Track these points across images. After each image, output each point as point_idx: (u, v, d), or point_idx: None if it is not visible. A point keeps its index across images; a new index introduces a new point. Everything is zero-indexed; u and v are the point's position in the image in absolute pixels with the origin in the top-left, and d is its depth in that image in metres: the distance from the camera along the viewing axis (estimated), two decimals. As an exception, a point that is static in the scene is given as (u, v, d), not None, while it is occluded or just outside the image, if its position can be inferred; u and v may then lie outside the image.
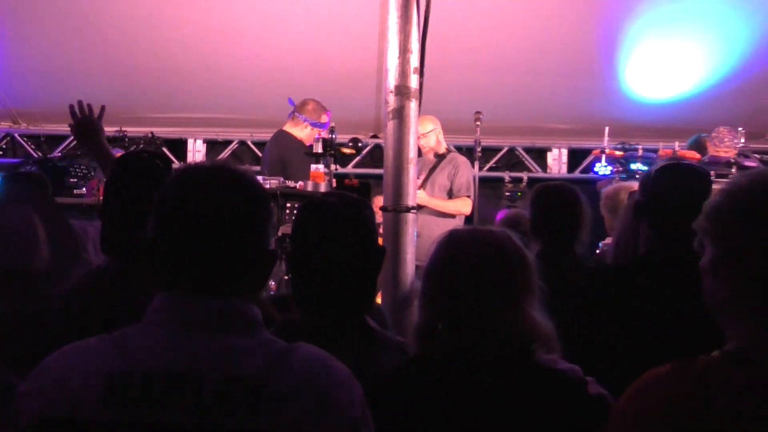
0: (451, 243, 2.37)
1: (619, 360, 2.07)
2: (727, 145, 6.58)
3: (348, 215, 2.50)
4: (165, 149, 8.85)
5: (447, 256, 2.35)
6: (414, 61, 4.72)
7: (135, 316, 1.79)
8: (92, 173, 7.38)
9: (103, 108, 3.69)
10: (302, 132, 6.78)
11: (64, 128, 8.73)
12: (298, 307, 2.52)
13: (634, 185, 5.15)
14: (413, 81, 4.71)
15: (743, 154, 6.65)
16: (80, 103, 3.66)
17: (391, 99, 4.69)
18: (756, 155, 6.97)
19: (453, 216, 7.09)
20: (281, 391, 1.67)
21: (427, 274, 2.37)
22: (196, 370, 1.68)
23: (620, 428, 1.73)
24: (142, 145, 8.05)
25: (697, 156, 6.51)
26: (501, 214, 7.33)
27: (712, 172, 6.12)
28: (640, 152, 6.90)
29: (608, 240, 5.68)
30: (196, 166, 1.89)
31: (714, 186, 6.23)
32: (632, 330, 2.75)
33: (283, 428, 1.66)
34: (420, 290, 2.39)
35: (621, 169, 6.99)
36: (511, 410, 2.18)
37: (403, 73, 4.69)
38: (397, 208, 4.65)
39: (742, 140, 6.63)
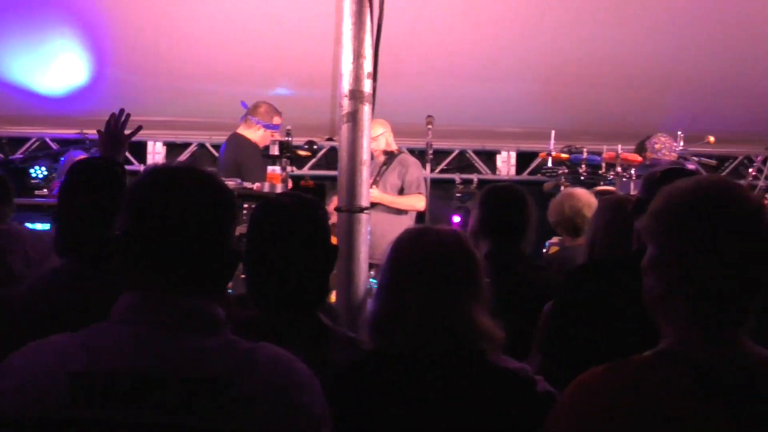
0: (402, 241, 2.41)
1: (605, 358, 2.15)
2: (665, 152, 6.80)
3: (302, 215, 2.55)
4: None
5: (393, 252, 2.39)
6: (367, 66, 4.81)
7: (92, 317, 1.78)
8: (54, 174, 7.40)
9: (139, 128, 3.75)
10: (255, 134, 6.86)
11: (26, 130, 8.81)
12: (254, 305, 2.55)
13: (577, 191, 5.37)
14: (367, 86, 4.80)
15: (683, 157, 6.88)
16: (116, 114, 3.70)
17: (345, 103, 4.78)
18: (695, 158, 7.19)
19: (405, 213, 7.20)
20: (246, 392, 1.67)
21: (381, 272, 2.41)
22: (161, 370, 1.67)
23: (559, 427, 1.75)
24: (102, 148, 8.10)
25: (639, 159, 6.72)
26: (456, 216, 7.52)
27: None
28: (585, 155, 7.09)
29: (555, 239, 5.87)
30: (165, 167, 1.90)
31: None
32: (619, 326, 2.74)
33: (249, 429, 1.66)
34: (376, 287, 2.44)
35: (567, 171, 7.17)
36: (462, 407, 2.20)
37: (357, 78, 4.79)
38: (350, 209, 4.72)
39: (682, 144, 6.87)
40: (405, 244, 2.40)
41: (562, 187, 6.68)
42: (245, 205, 5.85)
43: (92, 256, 2.79)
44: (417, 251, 2.36)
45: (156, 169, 1.88)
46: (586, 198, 5.23)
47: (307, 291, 2.53)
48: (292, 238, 2.51)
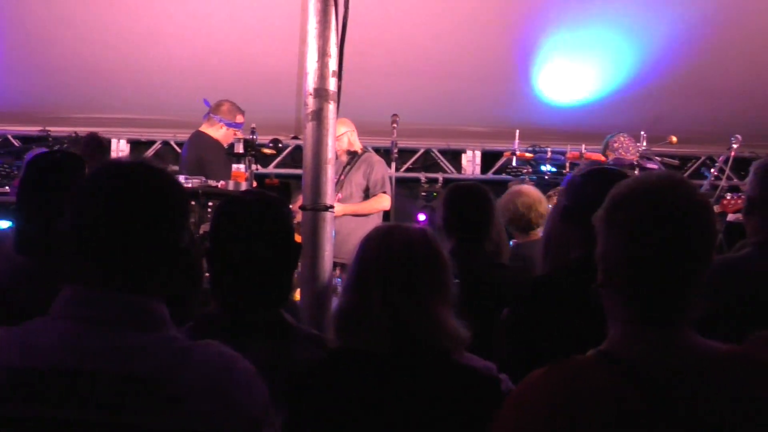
0: (370, 240, 2.42)
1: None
2: (629, 152, 6.87)
3: (265, 212, 2.55)
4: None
5: (360, 251, 2.40)
6: (332, 64, 4.82)
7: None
8: (16, 171, 7.34)
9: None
10: (218, 132, 6.84)
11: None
12: (216, 302, 2.55)
13: (525, 188, 5.41)
14: (332, 84, 4.81)
15: (646, 156, 6.94)
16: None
17: (310, 101, 4.78)
18: (657, 158, 7.25)
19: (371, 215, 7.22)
20: (179, 391, 1.66)
21: (348, 269, 2.42)
22: (94, 366, 1.65)
23: (503, 426, 1.76)
24: (66, 145, 8.05)
25: (602, 158, 6.79)
26: (422, 214, 7.53)
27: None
28: (549, 154, 7.14)
29: (517, 240, 5.91)
30: (113, 162, 1.91)
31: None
32: (578, 334, 2.81)
33: (181, 428, 1.64)
34: (342, 285, 2.45)
35: (531, 170, 7.22)
36: (426, 406, 2.21)
37: (322, 77, 4.79)
38: (315, 207, 4.73)
39: (644, 144, 6.95)
40: (372, 243, 2.40)
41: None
42: (210, 204, 5.85)
43: (52, 253, 2.77)
44: (384, 249, 2.36)
45: (103, 165, 1.87)
46: (536, 194, 5.28)
47: (270, 288, 2.53)
48: (254, 235, 2.51)
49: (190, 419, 1.65)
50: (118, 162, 1.91)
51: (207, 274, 2.67)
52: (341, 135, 7.09)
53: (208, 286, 2.60)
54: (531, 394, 1.74)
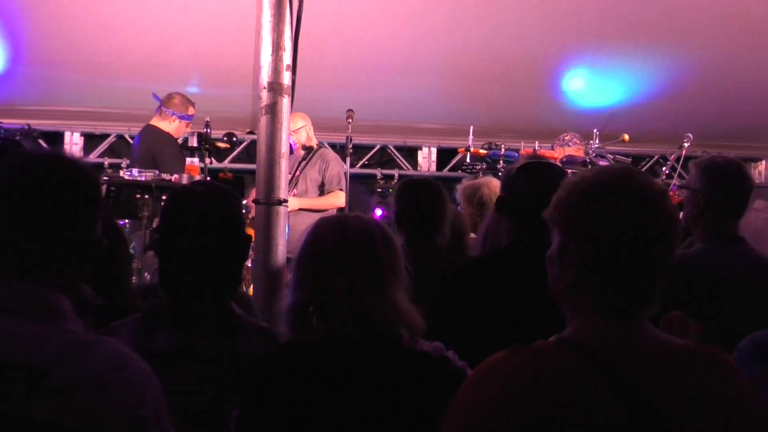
0: (319, 228, 2.38)
1: (489, 345, 2.15)
2: (576, 145, 6.94)
3: (214, 203, 2.54)
4: (41, 142, 8.77)
5: (314, 241, 2.35)
6: (287, 58, 4.83)
7: None
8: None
9: None
10: (171, 125, 6.83)
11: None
12: (164, 294, 2.54)
13: (491, 179, 5.43)
14: (286, 78, 4.82)
15: (599, 154, 7.01)
16: None
17: (264, 95, 4.80)
18: (610, 155, 7.33)
19: (326, 211, 7.23)
20: (62, 383, 1.64)
21: (296, 260, 2.38)
22: None
23: (461, 411, 1.75)
24: (18, 137, 7.96)
25: (555, 155, 6.84)
26: (378, 209, 7.54)
27: (569, 171, 6.49)
28: (503, 151, 7.18)
29: (472, 235, 5.94)
30: (29, 153, 1.90)
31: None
32: (496, 316, 2.82)
33: (59, 419, 1.63)
34: (291, 276, 2.41)
35: (485, 167, 7.26)
36: (380, 392, 2.20)
37: (276, 70, 4.80)
38: (269, 201, 4.74)
39: (597, 141, 7.02)
40: (326, 231, 2.37)
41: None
42: (163, 197, 5.82)
43: None
44: (341, 238, 2.33)
45: (13, 156, 1.86)
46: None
47: (218, 280, 2.52)
48: (203, 226, 2.50)
49: (70, 412, 1.64)
50: (26, 152, 1.91)
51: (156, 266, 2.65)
52: (299, 129, 7.09)
53: (157, 278, 2.58)
54: (491, 376, 1.74)
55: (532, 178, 3.08)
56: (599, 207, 1.75)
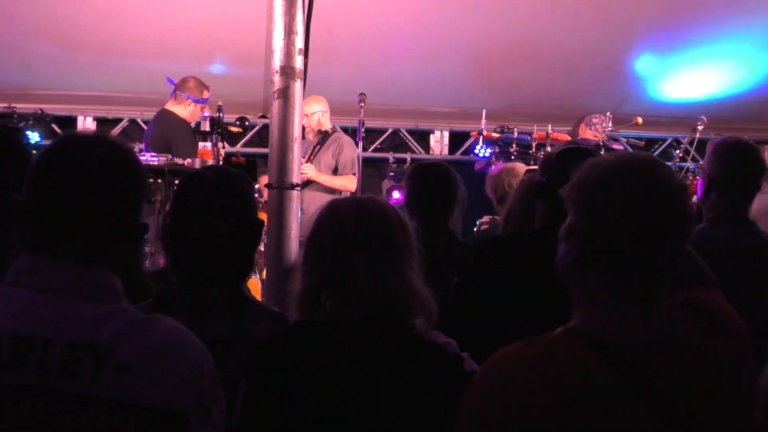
0: (333, 209, 2.33)
1: (511, 328, 2.08)
2: (598, 130, 6.93)
3: (226, 187, 2.53)
4: (54, 126, 8.80)
5: (328, 222, 2.31)
6: (299, 42, 4.82)
7: None
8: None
9: None
10: (185, 110, 6.82)
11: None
12: (175, 279, 2.53)
13: (516, 165, 5.42)
14: (298, 62, 4.81)
15: (612, 137, 7.01)
16: None
17: (277, 79, 4.79)
18: (623, 138, 7.31)
19: (339, 192, 7.19)
20: (126, 360, 1.68)
21: (309, 242, 2.33)
22: (45, 333, 1.69)
23: (473, 402, 1.76)
24: (31, 122, 7.99)
25: (567, 138, 6.84)
26: (396, 191, 7.54)
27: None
28: (515, 134, 7.17)
29: (485, 218, 5.95)
30: (75, 135, 1.92)
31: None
32: (523, 296, 2.79)
33: (125, 396, 1.67)
34: (302, 258, 2.37)
35: (498, 150, 7.25)
36: (389, 379, 2.15)
37: (288, 54, 4.79)
38: (281, 185, 4.73)
39: (611, 124, 7.00)
40: (345, 210, 2.31)
41: (493, 166, 6.76)
42: (176, 182, 5.83)
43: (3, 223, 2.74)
44: (360, 216, 2.28)
45: (66, 137, 1.91)
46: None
47: (230, 265, 2.51)
48: (214, 210, 2.49)
49: (135, 389, 1.68)
50: (77, 135, 1.92)
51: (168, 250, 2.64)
52: (314, 113, 7.10)
53: (169, 263, 2.58)
54: (502, 371, 1.74)
55: (571, 163, 3.08)
56: (617, 191, 1.75)
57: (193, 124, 6.72)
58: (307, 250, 2.34)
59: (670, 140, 9.64)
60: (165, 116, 6.85)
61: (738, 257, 3.21)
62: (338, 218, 2.30)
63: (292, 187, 4.78)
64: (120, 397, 1.67)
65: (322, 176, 7.12)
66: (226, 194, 2.52)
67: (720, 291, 2.05)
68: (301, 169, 4.95)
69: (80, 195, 1.77)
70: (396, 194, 7.85)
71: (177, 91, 6.84)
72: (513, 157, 7.07)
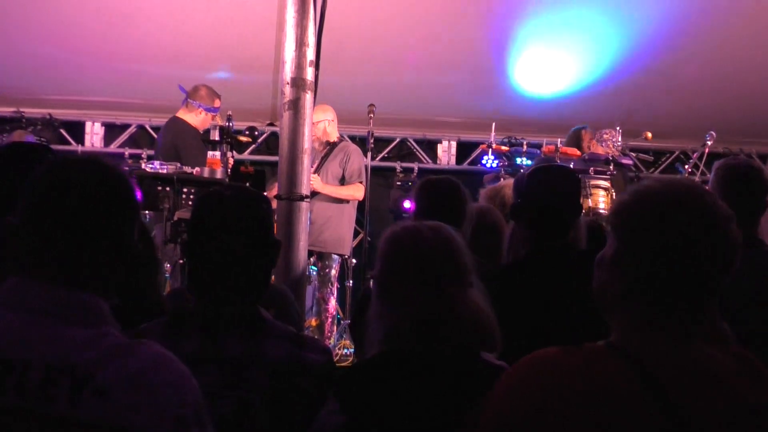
0: (417, 236, 2.41)
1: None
2: (609, 146, 6.92)
3: (245, 207, 2.53)
4: (63, 131, 8.81)
5: (412, 252, 2.38)
6: (310, 54, 4.84)
7: None
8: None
9: None
10: (197, 118, 6.82)
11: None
12: (193, 297, 2.53)
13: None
14: (309, 74, 4.84)
15: (621, 152, 6.99)
16: None
17: (288, 90, 4.81)
18: (632, 153, 7.31)
19: (347, 202, 7.24)
20: (105, 384, 1.67)
21: (389, 273, 2.39)
22: (25, 355, 1.69)
23: (504, 401, 1.76)
24: (39, 127, 8.00)
25: (577, 153, 6.82)
26: (407, 201, 7.53)
27: (591, 169, 6.49)
28: (525, 148, 7.17)
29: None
30: (68, 159, 1.90)
31: (594, 181, 6.51)
32: (522, 326, 2.79)
33: (103, 420, 1.66)
34: (382, 290, 2.43)
35: (506, 163, 7.24)
36: (465, 407, 2.20)
37: (300, 66, 4.82)
38: (291, 197, 4.75)
39: (620, 138, 7.00)
40: (429, 236, 2.39)
41: (501, 179, 6.75)
42: (184, 190, 5.84)
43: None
44: (443, 244, 2.37)
45: (58, 160, 1.90)
46: None
47: (247, 284, 2.51)
48: (233, 230, 2.49)
49: (113, 413, 1.67)
50: (69, 159, 1.90)
51: (181, 261, 2.65)
52: (319, 122, 7.11)
53: (186, 281, 2.58)
54: (541, 371, 1.73)
55: (543, 182, 3.09)
56: (665, 221, 1.74)
57: (202, 132, 6.73)
58: (388, 282, 2.41)
59: (677, 152, 9.64)
60: (176, 124, 6.86)
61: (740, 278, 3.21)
62: (425, 247, 2.38)
63: (302, 198, 4.80)
64: (97, 421, 1.66)
65: (329, 187, 7.12)
66: (243, 214, 2.52)
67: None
68: (310, 181, 4.94)
69: (70, 218, 1.77)
70: (407, 203, 7.86)
71: (188, 99, 6.85)
72: (522, 171, 7.06)
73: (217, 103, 6.86)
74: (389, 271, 2.39)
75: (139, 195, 1.92)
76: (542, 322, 2.86)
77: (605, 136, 6.94)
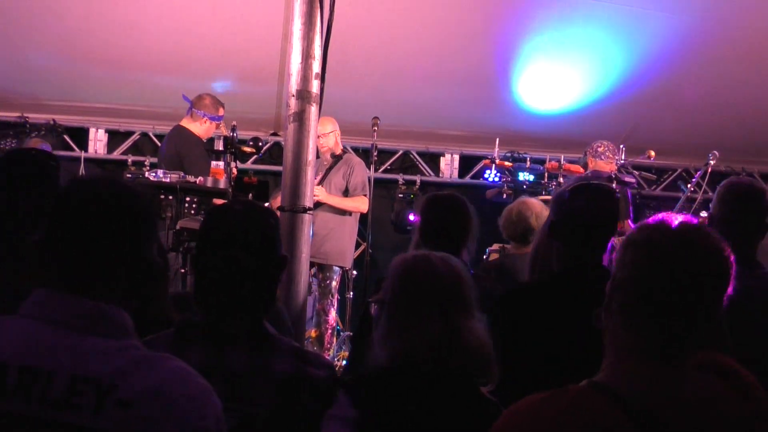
0: (430, 265, 2.52)
1: (535, 376, 2.17)
2: (608, 156, 6.92)
3: (252, 222, 2.55)
4: (66, 137, 8.81)
5: (425, 280, 2.50)
6: (316, 67, 4.85)
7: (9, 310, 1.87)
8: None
9: None
10: (201, 127, 6.83)
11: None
12: (199, 310, 2.54)
13: (531, 200, 5.41)
14: (314, 86, 4.84)
15: (624, 169, 7.00)
16: None
17: (293, 102, 4.81)
18: (635, 171, 7.31)
19: (349, 214, 7.25)
20: (129, 396, 1.72)
21: (401, 298, 2.50)
22: (50, 365, 1.74)
23: None
24: (43, 132, 8.01)
25: (581, 170, 6.83)
26: (412, 214, 7.53)
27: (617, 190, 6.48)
28: (528, 164, 7.17)
29: (495, 246, 5.94)
30: (88, 179, 2.02)
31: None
32: (548, 347, 2.84)
33: (125, 430, 1.70)
34: (391, 314, 2.52)
35: (509, 178, 7.24)
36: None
37: (305, 78, 4.82)
38: (294, 209, 4.76)
39: (623, 156, 7.00)
40: (440, 268, 2.51)
41: (504, 194, 6.76)
42: (187, 199, 5.84)
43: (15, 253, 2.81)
44: (455, 277, 2.50)
45: (80, 180, 2.00)
46: (539, 208, 5.28)
47: (253, 298, 2.52)
48: (240, 244, 2.50)
49: (134, 424, 1.71)
50: (90, 178, 2.02)
51: (182, 270, 2.67)
52: (329, 133, 7.14)
53: (192, 292, 2.59)
54: (524, 421, 1.73)
55: (585, 200, 3.10)
56: (646, 250, 1.79)
57: (206, 141, 6.73)
58: (401, 306, 2.51)
59: (679, 170, 9.64)
60: (180, 133, 6.86)
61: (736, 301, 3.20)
62: (437, 276, 2.49)
63: (305, 210, 4.80)
64: (120, 431, 1.71)
65: (333, 198, 7.13)
66: (252, 228, 2.53)
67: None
68: (313, 192, 4.94)
69: (93, 233, 1.85)
70: (412, 217, 7.87)
71: (193, 108, 6.85)
72: (525, 186, 7.07)
73: (221, 112, 6.87)
74: (400, 297, 2.47)
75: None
76: (574, 340, 2.85)
77: (599, 149, 6.94)
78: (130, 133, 9.09)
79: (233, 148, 5.96)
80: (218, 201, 5.92)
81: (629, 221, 6.42)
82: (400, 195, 8.82)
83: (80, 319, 1.80)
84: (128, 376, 1.74)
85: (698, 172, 7.47)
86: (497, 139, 7.41)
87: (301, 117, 4.79)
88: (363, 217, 7.46)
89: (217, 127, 6.75)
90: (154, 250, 1.95)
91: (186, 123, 6.89)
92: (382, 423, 2.36)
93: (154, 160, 8.40)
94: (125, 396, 1.72)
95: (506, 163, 7.24)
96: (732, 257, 1.80)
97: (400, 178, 9.18)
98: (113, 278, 1.86)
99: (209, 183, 5.89)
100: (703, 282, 1.75)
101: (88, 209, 1.87)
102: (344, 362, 6.96)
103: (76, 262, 1.84)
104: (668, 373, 1.75)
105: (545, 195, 6.82)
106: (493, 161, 7.30)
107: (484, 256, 6.01)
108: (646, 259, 1.78)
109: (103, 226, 1.86)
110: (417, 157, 9.50)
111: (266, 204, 6.28)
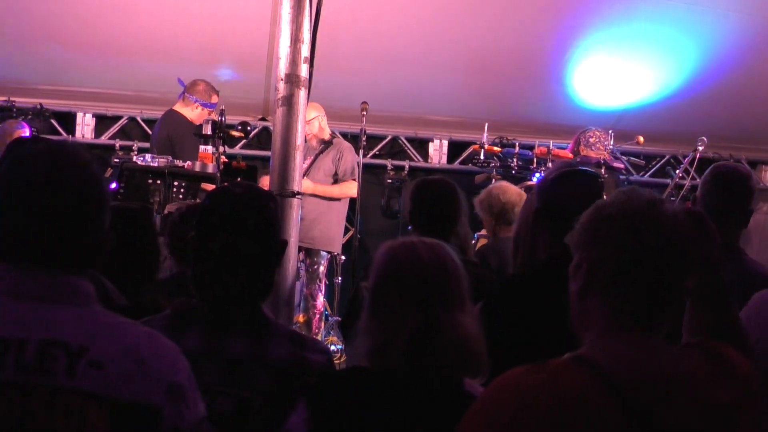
0: (415, 253, 2.34)
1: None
2: (598, 147, 6.94)
3: (252, 206, 2.53)
4: (54, 121, 8.77)
5: (409, 269, 2.32)
6: (305, 51, 4.82)
7: None
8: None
9: None
10: (193, 112, 6.82)
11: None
12: (196, 294, 2.53)
13: (505, 185, 5.42)
14: (303, 70, 4.81)
15: (613, 155, 7.01)
16: None
17: (281, 87, 4.78)
18: (624, 156, 7.32)
19: (338, 199, 7.25)
20: (100, 357, 1.76)
21: (383, 288, 2.34)
22: (20, 334, 1.76)
23: (473, 425, 1.76)
24: (30, 116, 7.96)
25: (569, 156, 6.84)
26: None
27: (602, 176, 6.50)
28: (517, 149, 7.17)
29: (483, 231, 5.95)
30: (37, 148, 1.94)
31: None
32: (538, 338, 2.70)
33: (98, 388, 1.74)
34: (374, 305, 2.35)
35: (498, 164, 7.24)
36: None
37: (294, 62, 4.79)
38: (282, 193, 4.73)
39: (612, 142, 7.01)
40: (425, 258, 2.33)
41: (493, 180, 6.76)
42: (175, 183, 5.83)
43: None
44: (441, 268, 2.32)
45: (28, 149, 1.93)
46: (517, 192, 5.28)
47: (252, 283, 2.51)
48: (239, 229, 2.49)
49: (109, 382, 1.75)
50: (42, 147, 1.94)
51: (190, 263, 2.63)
52: (312, 119, 7.09)
53: (190, 276, 2.55)
54: (506, 393, 1.75)
55: (569, 186, 3.07)
56: (614, 230, 1.81)
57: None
58: (379, 297, 2.34)
59: (668, 157, 9.64)
60: (172, 117, 6.85)
61: None
62: (420, 266, 2.31)
63: (293, 195, 4.78)
64: (94, 390, 1.75)
65: (320, 187, 7.10)
66: (251, 213, 2.51)
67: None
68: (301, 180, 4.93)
69: (47, 206, 1.83)
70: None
71: (186, 93, 6.84)
72: (513, 172, 7.06)
73: (214, 99, 6.86)
74: (381, 287, 2.35)
75: (113, 186, 1.96)
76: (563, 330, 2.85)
77: (591, 139, 6.95)
78: (117, 118, 9.03)
79: (221, 132, 5.95)
80: (207, 186, 5.92)
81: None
82: (389, 180, 8.80)
83: (45, 291, 1.82)
84: (98, 339, 1.78)
85: (686, 158, 7.49)
86: (486, 124, 7.40)
87: (289, 101, 4.77)
88: (351, 202, 7.45)
89: (210, 113, 6.73)
90: (106, 223, 1.92)
91: (178, 107, 6.88)
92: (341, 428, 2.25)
93: (142, 144, 8.38)
94: (97, 357, 1.76)
95: (495, 148, 7.24)
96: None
97: (388, 163, 9.16)
98: (71, 249, 1.85)
99: (197, 167, 5.89)
100: (660, 256, 1.78)
101: (43, 180, 1.84)
102: (332, 347, 6.97)
103: (33, 233, 1.83)
104: (648, 345, 1.78)
105: (533, 181, 6.82)
106: (482, 146, 7.29)
107: (473, 241, 6.00)
108: (624, 232, 1.79)
109: (58, 197, 1.84)
110: (406, 142, 9.46)
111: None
